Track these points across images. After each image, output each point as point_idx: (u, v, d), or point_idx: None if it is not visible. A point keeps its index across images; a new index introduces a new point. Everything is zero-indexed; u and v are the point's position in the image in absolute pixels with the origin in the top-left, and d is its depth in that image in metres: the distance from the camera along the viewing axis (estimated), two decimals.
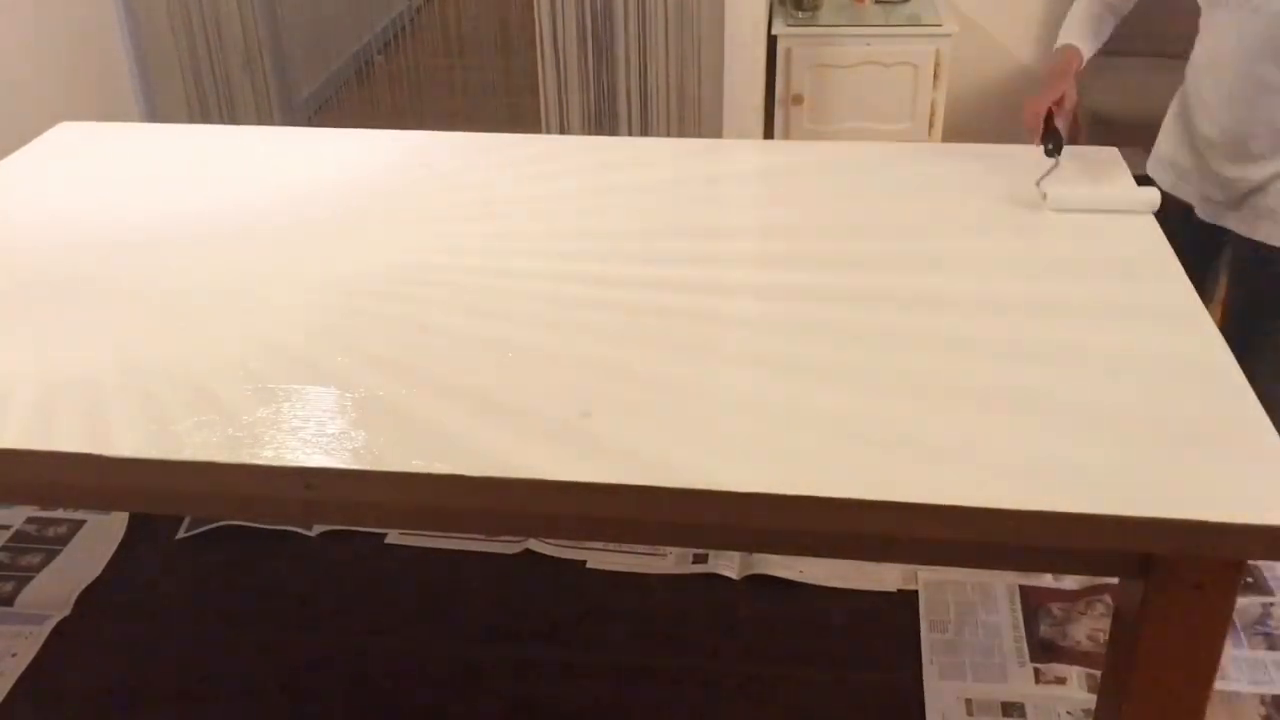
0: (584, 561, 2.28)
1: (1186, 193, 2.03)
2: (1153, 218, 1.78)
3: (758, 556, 2.25)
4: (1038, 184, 1.84)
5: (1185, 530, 1.16)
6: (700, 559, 2.27)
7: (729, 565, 2.24)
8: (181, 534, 2.39)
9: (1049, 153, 1.90)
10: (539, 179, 1.99)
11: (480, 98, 4.77)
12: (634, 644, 2.09)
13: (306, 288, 1.65)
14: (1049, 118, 1.94)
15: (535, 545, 2.30)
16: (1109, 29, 2.08)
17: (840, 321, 1.52)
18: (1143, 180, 1.97)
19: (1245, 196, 1.94)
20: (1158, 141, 2.11)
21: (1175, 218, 1.94)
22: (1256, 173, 1.90)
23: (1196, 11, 1.94)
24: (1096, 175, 1.93)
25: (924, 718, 1.92)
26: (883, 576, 2.20)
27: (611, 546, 2.30)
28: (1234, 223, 1.97)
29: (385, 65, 5.23)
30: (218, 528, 2.39)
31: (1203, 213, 2.01)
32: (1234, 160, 1.93)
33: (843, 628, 2.11)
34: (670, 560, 2.28)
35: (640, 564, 2.27)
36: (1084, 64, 2.04)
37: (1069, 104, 1.96)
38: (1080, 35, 2.04)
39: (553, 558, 2.29)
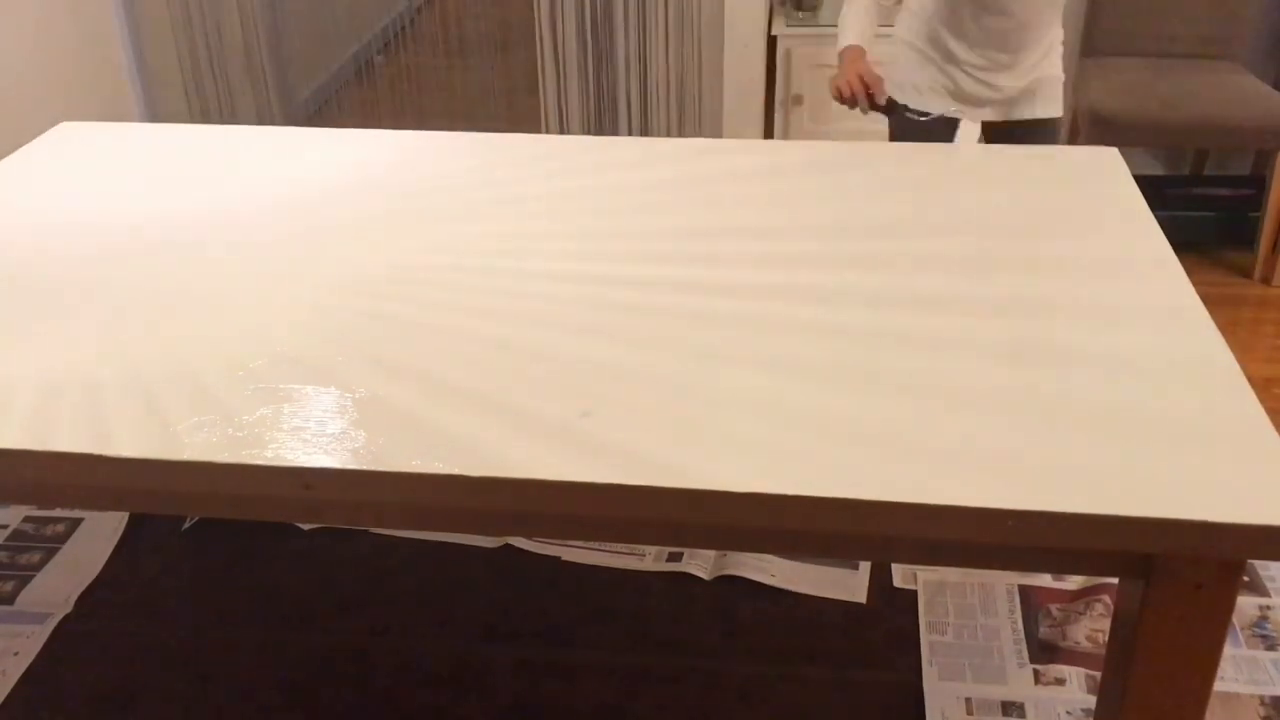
0: (558, 557, 2.29)
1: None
2: (1155, 220, 1.78)
3: (731, 557, 2.25)
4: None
5: (1185, 530, 1.16)
6: (675, 557, 2.28)
7: (701, 566, 2.25)
8: (183, 528, 2.39)
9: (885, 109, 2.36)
10: (538, 179, 1.99)
11: (480, 98, 4.76)
12: (632, 644, 2.09)
13: (306, 287, 1.66)
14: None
15: (514, 541, 2.31)
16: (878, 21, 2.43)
17: (840, 321, 1.52)
18: (1140, 179, 1.97)
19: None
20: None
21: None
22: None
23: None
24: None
25: (924, 718, 1.92)
26: (855, 587, 2.20)
27: (589, 544, 2.32)
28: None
29: (385, 65, 5.23)
30: (218, 526, 2.39)
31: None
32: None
33: (842, 628, 2.11)
34: (646, 559, 2.28)
35: (614, 561, 2.28)
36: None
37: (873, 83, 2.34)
38: (858, 35, 2.38)
39: (534, 554, 2.30)
